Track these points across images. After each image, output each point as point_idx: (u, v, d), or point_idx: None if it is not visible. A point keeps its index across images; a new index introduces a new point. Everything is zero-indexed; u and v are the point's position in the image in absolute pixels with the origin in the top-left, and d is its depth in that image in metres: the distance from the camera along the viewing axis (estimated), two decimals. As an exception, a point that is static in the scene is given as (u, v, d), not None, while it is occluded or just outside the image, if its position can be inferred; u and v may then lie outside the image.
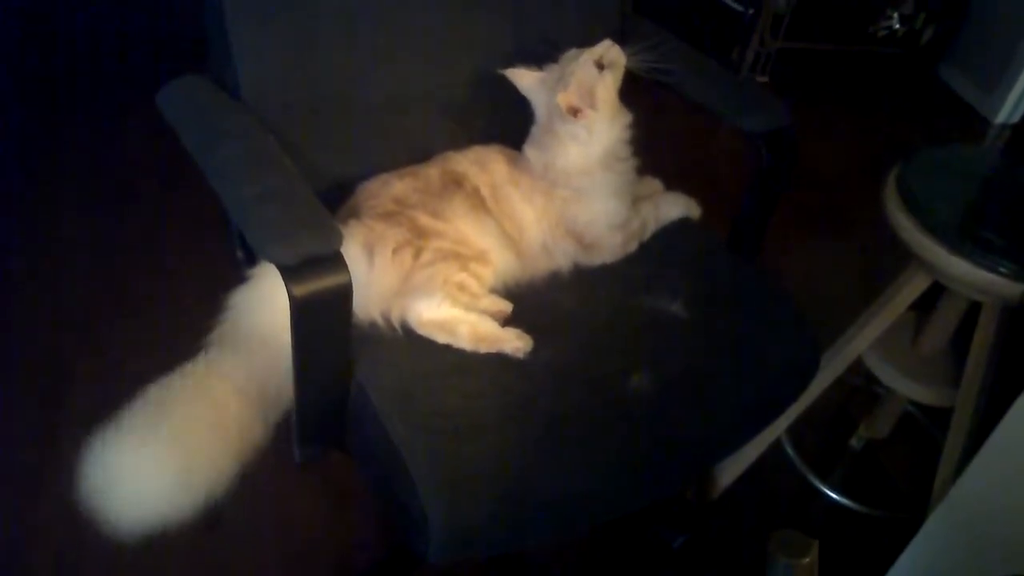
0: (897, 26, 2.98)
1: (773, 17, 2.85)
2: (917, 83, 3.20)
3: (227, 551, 1.40)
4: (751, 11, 2.85)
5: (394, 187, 1.10)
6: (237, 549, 1.41)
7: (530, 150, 1.16)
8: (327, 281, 0.82)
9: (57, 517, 1.40)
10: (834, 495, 1.65)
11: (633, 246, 1.19)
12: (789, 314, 1.15)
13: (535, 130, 1.16)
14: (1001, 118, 3.06)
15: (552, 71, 1.13)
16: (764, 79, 2.98)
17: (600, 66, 1.09)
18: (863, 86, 3.12)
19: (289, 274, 0.81)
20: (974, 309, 1.43)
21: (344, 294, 0.84)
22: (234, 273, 1.01)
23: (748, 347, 1.10)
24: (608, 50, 1.11)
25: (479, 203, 1.12)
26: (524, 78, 1.15)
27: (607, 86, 1.10)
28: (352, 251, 0.99)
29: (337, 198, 1.11)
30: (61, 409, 1.59)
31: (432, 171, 1.13)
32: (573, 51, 1.12)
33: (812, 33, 2.95)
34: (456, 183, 1.12)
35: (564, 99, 1.08)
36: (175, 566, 1.38)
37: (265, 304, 0.96)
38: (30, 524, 1.40)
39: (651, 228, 1.22)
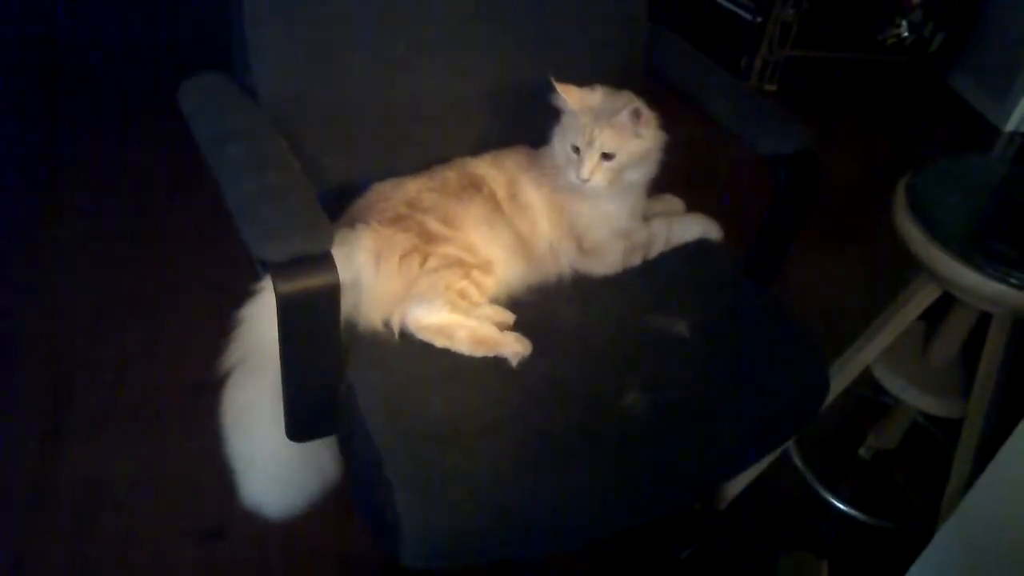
0: (906, 34, 2.97)
1: (781, 25, 2.85)
2: (926, 91, 3.18)
3: (231, 561, 1.40)
4: (759, 19, 2.85)
5: (407, 188, 1.10)
6: (241, 559, 1.40)
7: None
8: (314, 280, 0.82)
9: (59, 534, 1.40)
10: (842, 506, 1.64)
11: (635, 260, 1.18)
12: (799, 342, 1.13)
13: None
14: (1011, 126, 3.05)
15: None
16: (772, 87, 2.97)
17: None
18: (872, 94, 3.10)
19: (277, 271, 0.80)
20: (984, 319, 1.42)
21: (331, 294, 0.83)
22: (241, 282, 1.00)
23: (753, 374, 1.07)
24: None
25: (495, 208, 1.12)
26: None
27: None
28: (361, 257, 1.00)
29: (349, 199, 1.11)
30: (63, 418, 1.58)
31: (450, 173, 1.13)
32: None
33: (820, 41, 2.94)
34: (475, 187, 1.12)
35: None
36: None
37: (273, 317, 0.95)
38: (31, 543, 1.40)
39: (659, 246, 1.20)
